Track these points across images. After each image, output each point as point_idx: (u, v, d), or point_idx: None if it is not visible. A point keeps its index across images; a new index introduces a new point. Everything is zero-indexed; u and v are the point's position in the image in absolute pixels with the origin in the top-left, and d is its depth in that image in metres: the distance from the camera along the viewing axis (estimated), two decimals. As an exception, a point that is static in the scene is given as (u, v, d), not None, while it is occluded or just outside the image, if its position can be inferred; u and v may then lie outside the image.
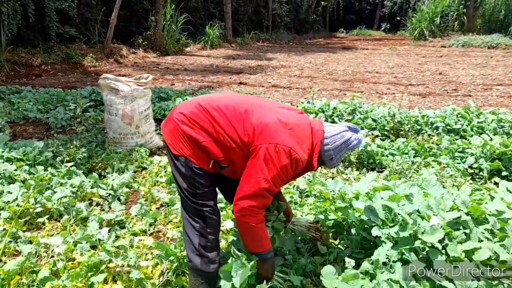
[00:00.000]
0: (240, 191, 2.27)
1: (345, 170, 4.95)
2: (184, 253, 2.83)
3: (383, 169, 4.96)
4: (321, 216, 3.20)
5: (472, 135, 5.63)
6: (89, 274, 2.81)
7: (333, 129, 2.43)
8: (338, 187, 3.28)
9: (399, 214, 2.77)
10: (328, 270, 2.40)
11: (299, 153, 2.24)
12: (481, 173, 4.61)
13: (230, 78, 11.99)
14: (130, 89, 5.47)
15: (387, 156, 5.12)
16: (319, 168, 4.91)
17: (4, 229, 3.33)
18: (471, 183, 4.34)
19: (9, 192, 3.79)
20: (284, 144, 2.21)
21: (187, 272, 2.75)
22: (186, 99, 7.77)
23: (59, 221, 3.66)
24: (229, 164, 2.36)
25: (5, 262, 2.98)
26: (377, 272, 2.37)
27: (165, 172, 4.90)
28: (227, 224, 3.38)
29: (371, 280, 2.35)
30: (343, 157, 2.45)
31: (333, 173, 4.83)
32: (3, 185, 3.95)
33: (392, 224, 2.73)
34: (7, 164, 4.26)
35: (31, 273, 2.80)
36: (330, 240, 3.08)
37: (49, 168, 4.48)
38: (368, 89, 10.21)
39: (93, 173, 4.59)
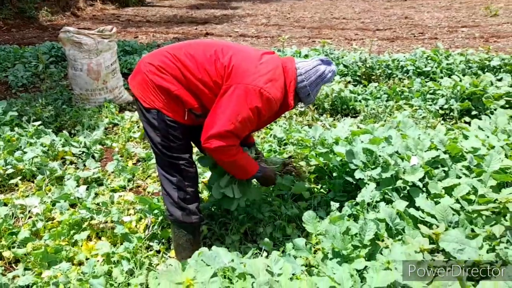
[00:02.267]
0: (207, 129, 2.15)
1: (319, 117, 4.96)
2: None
3: (357, 115, 5.00)
4: (302, 163, 3.22)
5: (442, 77, 5.71)
6: (72, 232, 2.76)
7: (306, 64, 2.36)
8: (318, 133, 3.28)
9: (380, 156, 2.82)
10: (308, 216, 2.44)
11: (271, 93, 2.14)
12: (451, 113, 4.72)
13: (196, 29, 11.60)
14: (94, 42, 5.19)
15: (360, 101, 5.15)
16: (294, 116, 4.91)
17: (-24, 193, 3.20)
18: (442, 124, 4.45)
19: (-24, 155, 3.61)
20: (254, 84, 2.12)
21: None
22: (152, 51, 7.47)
23: (33, 182, 3.54)
24: (204, 112, 2.26)
25: (-19, 226, 2.88)
26: (362, 213, 2.42)
27: (138, 127, 4.78)
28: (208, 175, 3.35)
29: (355, 221, 2.41)
30: (319, 91, 2.40)
31: (308, 120, 4.84)
32: (-32, 148, 3.76)
33: (373, 166, 2.78)
34: (-31, 126, 4.03)
35: (10, 235, 2.72)
36: (313, 185, 3.12)
37: (15, 128, 4.28)
38: (336, 36, 10.12)
39: (63, 131, 4.43)
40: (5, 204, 3.13)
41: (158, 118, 2.24)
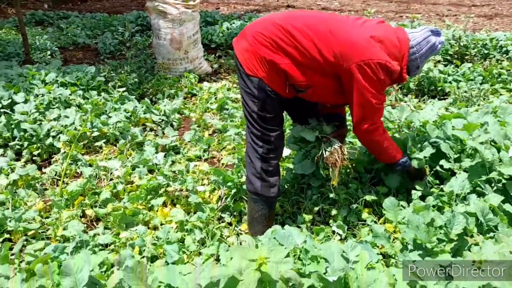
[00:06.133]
0: (355, 116, 2.26)
1: (403, 97, 4.67)
2: (242, 179, 2.79)
3: (446, 97, 4.63)
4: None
5: (548, 60, 5.11)
6: (149, 197, 2.84)
7: (417, 35, 2.28)
8: (404, 115, 3.05)
9: (471, 144, 2.56)
10: (390, 202, 2.29)
11: (394, 65, 2.15)
12: (557, 101, 4.21)
13: (277, 0, 11.40)
14: (178, 12, 5.26)
15: (450, 82, 4.75)
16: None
17: (64, 152, 3.40)
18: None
19: (66, 116, 3.83)
20: (378, 58, 2.10)
21: (245, 198, 2.72)
22: (234, 23, 7.47)
23: (115, 145, 3.70)
24: (308, 88, 2.22)
25: (67, 183, 3.06)
26: (449, 205, 2.22)
27: (215, 98, 4.82)
28: (284, 152, 3.28)
29: (440, 213, 2.22)
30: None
31: (391, 101, 4.57)
32: (60, 109, 4.00)
33: (463, 155, 2.54)
34: (62, 89, 4.28)
35: (93, 195, 2.86)
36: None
37: (102, 93, 4.49)
38: (427, 11, 9.45)
39: (145, 98, 4.58)
40: (90, 165, 3.30)
41: (259, 87, 2.22)
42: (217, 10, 10.06)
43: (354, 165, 2.86)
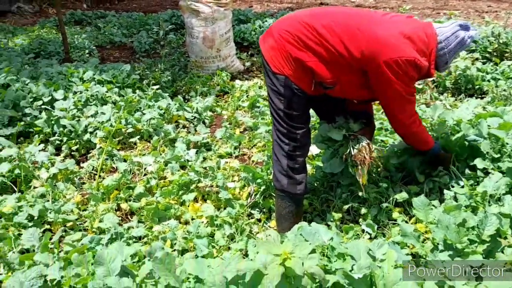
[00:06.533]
0: (392, 116, 2.34)
1: (439, 96, 4.56)
2: (271, 177, 2.81)
3: (483, 96, 4.49)
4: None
5: None
6: (180, 192, 2.91)
7: (445, 30, 2.24)
8: (438, 113, 2.99)
9: (507, 144, 2.49)
10: (420, 201, 2.25)
11: (423, 61, 2.14)
12: None
13: (310, -2, 11.34)
14: (210, 10, 5.33)
15: (489, 80, 4.60)
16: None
17: (100, 147, 3.52)
18: None
19: (102, 113, 3.97)
20: (407, 55, 2.09)
21: (274, 195, 2.74)
22: (266, 21, 7.49)
23: (149, 142, 3.81)
24: (335, 85, 2.22)
25: (103, 178, 3.17)
26: (483, 205, 2.17)
27: (247, 96, 4.86)
28: (313, 149, 3.28)
29: (473, 213, 2.17)
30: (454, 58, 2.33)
31: (426, 99, 4.48)
32: (97, 106, 4.14)
33: (499, 155, 2.47)
34: (98, 86, 4.43)
35: (127, 189, 2.96)
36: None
37: (137, 91, 4.61)
38: (465, 7, 9.17)
39: (178, 96, 4.67)
40: (125, 160, 3.41)
41: (285, 85, 2.23)
42: (250, 8, 10.10)
43: (384, 163, 2.83)
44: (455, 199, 2.39)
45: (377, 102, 2.65)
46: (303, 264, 1.52)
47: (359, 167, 2.45)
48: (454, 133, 2.72)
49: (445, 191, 2.43)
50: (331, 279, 1.59)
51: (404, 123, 2.34)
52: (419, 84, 4.72)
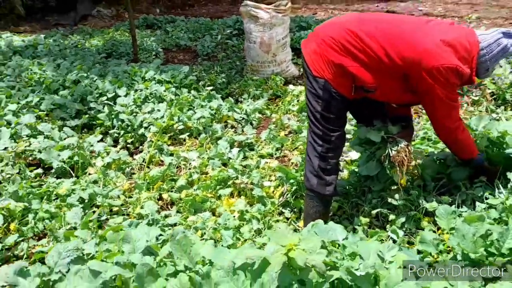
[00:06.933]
0: (436, 121, 2.38)
1: (496, 108, 4.37)
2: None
3: (547, 110, 4.24)
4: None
5: None
6: (218, 187, 3.07)
7: (488, 37, 2.24)
8: (482, 124, 2.89)
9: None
10: (444, 210, 2.24)
11: (465, 69, 2.17)
12: None
13: (377, 6, 11.16)
14: (269, 16, 5.49)
15: (554, 95, 4.34)
16: (465, 105, 4.45)
17: (151, 141, 3.79)
18: None
19: (158, 110, 4.25)
20: (449, 63, 2.13)
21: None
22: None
23: (197, 139, 4.02)
24: (376, 89, 2.29)
25: (151, 169, 3.42)
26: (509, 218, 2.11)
27: (298, 101, 4.94)
28: (352, 155, 3.31)
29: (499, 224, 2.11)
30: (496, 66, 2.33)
31: (480, 111, 4.31)
32: (154, 103, 4.44)
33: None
34: (157, 85, 4.76)
35: (170, 181, 3.18)
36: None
37: (192, 91, 4.88)
38: (544, 18, 8.58)
39: (230, 97, 4.87)
40: (172, 154, 3.65)
41: (324, 88, 2.30)
42: (313, 15, 10.17)
43: (420, 172, 2.80)
44: (487, 211, 2.33)
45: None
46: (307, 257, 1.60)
47: (398, 168, 2.46)
48: (498, 146, 2.65)
49: (477, 203, 2.37)
50: (335, 274, 1.65)
51: (448, 128, 2.36)
52: (475, 96, 4.56)
